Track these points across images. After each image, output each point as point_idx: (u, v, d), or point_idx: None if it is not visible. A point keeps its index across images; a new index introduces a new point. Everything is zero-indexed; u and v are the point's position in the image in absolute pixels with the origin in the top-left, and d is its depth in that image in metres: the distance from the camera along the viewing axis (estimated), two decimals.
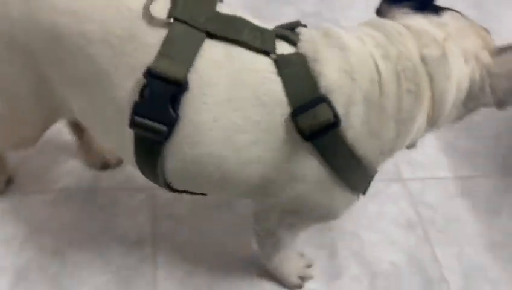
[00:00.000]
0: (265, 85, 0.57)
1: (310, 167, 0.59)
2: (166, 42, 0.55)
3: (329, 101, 0.56)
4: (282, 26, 0.63)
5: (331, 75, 0.57)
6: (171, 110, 0.55)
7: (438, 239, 1.04)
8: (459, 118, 0.70)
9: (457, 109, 0.66)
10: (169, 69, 0.54)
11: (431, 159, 1.18)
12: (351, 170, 0.61)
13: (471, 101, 0.66)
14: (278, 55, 0.57)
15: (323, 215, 0.68)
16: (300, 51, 0.59)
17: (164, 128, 0.56)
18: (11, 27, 0.58)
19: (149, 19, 0.56)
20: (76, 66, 0.58)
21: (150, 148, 0.58)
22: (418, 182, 1.13)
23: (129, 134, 0.59)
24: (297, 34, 0.61)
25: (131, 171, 1.04)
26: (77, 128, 0.95)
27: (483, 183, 1.16)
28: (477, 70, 0.63)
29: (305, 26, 0.64)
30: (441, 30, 0.62)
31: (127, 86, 0.57)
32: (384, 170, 1.14)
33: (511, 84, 0.62)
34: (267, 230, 0.74)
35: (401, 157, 1.17)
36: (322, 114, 0.55)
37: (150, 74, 0.54)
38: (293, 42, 0.60)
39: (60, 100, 0.64)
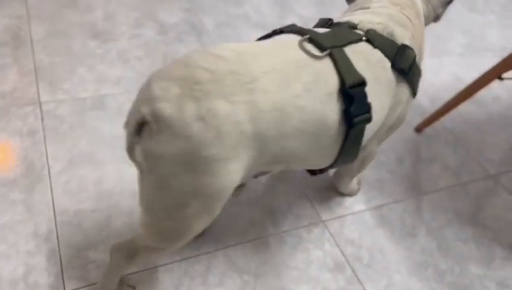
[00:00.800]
0: (376, 56, 0.83)
1: (406, 92, 0.90)
2: (337, 64, 0.76)
3: (409, 45, 0.88)
4: (317, 25, 0.92)
5: (397, 32, 0.88)
6: (368, 101, 0.79)
7: (366, 275, 1.05)
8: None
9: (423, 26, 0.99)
10: (355, 78, 0.77)
11: (344, 195, 1.22)
12: (417, 81, 0.92)
13: (426, 20, 1.01)
14: (365, 37, 0.84)
15: (403, 121, 1.00)
16: (368, 28, 0.86)
17: (369, 115, 0.80)
18: (242, 128, 0.68)
19: (315, 57, 0.76)
20: (293, 120, 0.72)
21: (359, 136, 0.82)
22: (337, 220, 1.15)
23: (339, 140, 0.81)
24: (351, 23, 0.87)
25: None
26: None
27: (395, 209, 1.21)
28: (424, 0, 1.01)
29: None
30: None
31: (331, 108, 0.76)
32: (304, 215, 1.15)
33: (438, 2, 1.01)
34: (370, 153, 1.05)
35: (318, 199, 1.19)
36: (411, 54, 0.87)
37: (350, 87, 0.76)
38: (353, 26, 0.86)
39: (268, 159, 0.76)
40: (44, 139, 1.19)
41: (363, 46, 0.82)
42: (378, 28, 0.86)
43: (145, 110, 0.66)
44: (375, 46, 0.83)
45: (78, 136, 1.21)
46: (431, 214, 1.22)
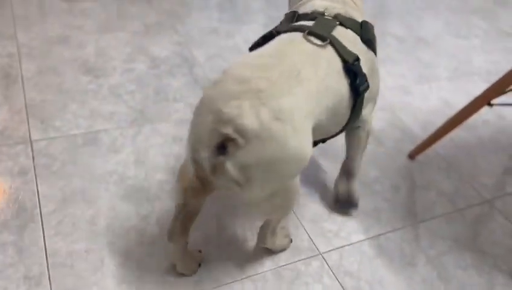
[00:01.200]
0: (350, 35, 0.99)
1: (374, 56, 1.05)
2: (337, 48, 0.92)
3: (366, 20, 1.05)
4: (286, 19, 1.04)
5: (354, 14, 1.03)
6: (364, 72, 0.96)
7: None
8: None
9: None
10: (352, 56, 0.93)
11: (341, 225, 1.21)
12: (375, 46, 1.06)
13: None
14: (337, 21, 0.98)
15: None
16: (335, 13, 1.00)
17: (367, 83, 0.97)
18: (304, 114, 0.82)
19: (322, 48, 0.91)
20: (324, 99, 0.88)
21: (362, 103, 0.99)
22: (335, 252, 1.14)
23: (349, 108, 0.97)
24: (317, 11, 1.01)
25: None
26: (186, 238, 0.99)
27: (393, 238, 1.20)
28: None
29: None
30: None
31: (342, 84, 0.93)
32: (302, 248, 1.13)
33: None
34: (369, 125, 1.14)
35: (315, 231, 1.18)
36: (370, 27, 1.04)
37: (352, 64, 0.93)
38: (322, 13, 1.00)
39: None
40: (36, 179, 1.17)
41: (340, 29, 0.97)
42: (342, 12, 1.01)
43: (228, 130, 0.73)
44: (346, 27, 0.98)
45: (71, 174, 1.20)
46: (429, 241, 1.21)
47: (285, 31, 0.94)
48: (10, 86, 1.43)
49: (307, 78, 0.83)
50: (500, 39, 2.36)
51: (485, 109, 1.78)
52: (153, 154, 1.30)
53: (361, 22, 1.02)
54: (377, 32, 1.09)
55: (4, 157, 1.21)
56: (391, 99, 1.74)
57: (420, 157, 1.48)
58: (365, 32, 1.01)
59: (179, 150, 1.33)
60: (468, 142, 1.60)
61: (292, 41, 0.90)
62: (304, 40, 0.90)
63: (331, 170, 1.37)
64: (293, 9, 1.07)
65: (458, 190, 1.39)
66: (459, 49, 2.19)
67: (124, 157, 1.28)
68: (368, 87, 0.97)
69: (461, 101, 1.80)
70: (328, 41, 0.91)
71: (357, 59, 0.94)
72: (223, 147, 0.74)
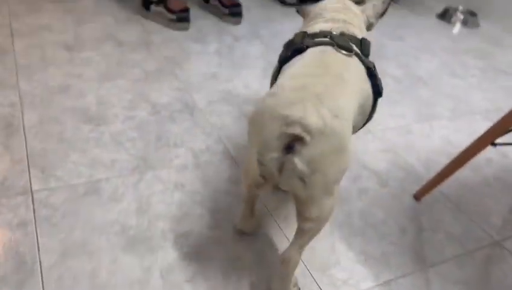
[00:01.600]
0: (356, 49, 1.10)
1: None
2: (360, 57, 1.08)
3: (365, 38, 1.17)
4: (296, 40, 1.15)
5: (354, 31, 1.17)
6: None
7: None
8: (370, 27, 1.34)
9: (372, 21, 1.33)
10: (371, 64, 1.10)
11: (350, 273, 1.17)
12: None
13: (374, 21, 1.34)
14: (348, 38, 1.11)
15: None
16: (341, 31, 1.13)
17: (382, 86, 1.13)
18: (354, 112, 0.98)
19: (349, 57, 1.05)
20: (360, 98, 1.03)
21: (377, 101, 1.15)
22: None
23: (370, 107, 1.13)
24: (329, 32, 1.12)
25: None
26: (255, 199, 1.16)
27: (404, 283, 1.16)
28: (363, 13, 1.32)
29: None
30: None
31: (368, 86, 1.09)
32: None
33: (372, 13, 1.32)
34: None
35: (323, 279, 1.14)
36: (368, 43, 1.16)
37: (373, 69, 1.10)
38: (330, 32, 1.11)
39: None
40: (36, 231, 1.14)
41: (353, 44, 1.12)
42: (345, 31, 1.14)
43: (296, 130, 0.83)
44: (353, 43, 1.11)
45: (71, 225, 1.17)
46: (440, 286, 1.17)
47: (313, 45, 1.08)
48: (11, 136, 1.43)
49: (349, 81, 0.97)
50: (496, 78, 2.39)
51: (488, 148, 1.78)
52: (155, 202, 1.28)
53: (361, 39, 1.15)
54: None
55: (4, 209, 1.18)
56: (393, 139, 1.74)
57: (426, 197, 1.46)
58: (364, 48, 1.14)
59: (180, 197, 1.31)
60: (473, 182, 1.59)
61: (326, 53, 1.04)
62: (335, 51, 1.04)
63: (335, 212, 1.34)
64: (300, 30, 1.22)
65: (466, 231, 1.36)
66: (456, 88, 2.21)
67: (126, 206, 1.25)
68: (382, 88, 1.13)
69: (463, 140, 1.80)
70: (354, 52, 1.06)
71: (374, 66, 1.11)
72: (289, 147, 0.83)
